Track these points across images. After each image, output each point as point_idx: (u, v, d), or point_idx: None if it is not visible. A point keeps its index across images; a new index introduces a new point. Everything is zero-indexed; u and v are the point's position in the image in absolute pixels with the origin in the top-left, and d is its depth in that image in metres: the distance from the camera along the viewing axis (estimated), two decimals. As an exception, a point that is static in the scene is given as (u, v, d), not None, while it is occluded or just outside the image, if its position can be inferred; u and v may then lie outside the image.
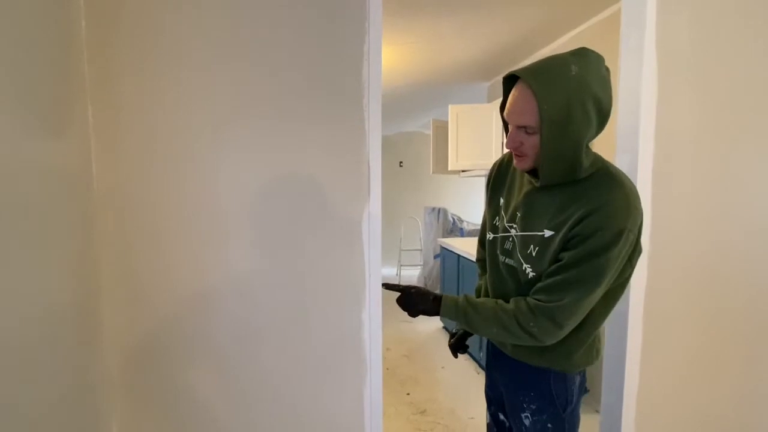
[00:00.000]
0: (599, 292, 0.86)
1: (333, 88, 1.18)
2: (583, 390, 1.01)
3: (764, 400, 1.41)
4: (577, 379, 0.98)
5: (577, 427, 1.02)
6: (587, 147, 0.86)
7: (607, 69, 0.84)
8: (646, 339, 1.35)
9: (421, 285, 5.07)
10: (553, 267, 0.87)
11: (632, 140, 1.31)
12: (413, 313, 0.99)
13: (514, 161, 0.93)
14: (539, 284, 0.89)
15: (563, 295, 0.84)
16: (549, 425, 0.97)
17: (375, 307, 1.26)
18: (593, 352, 0.99)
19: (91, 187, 1.13)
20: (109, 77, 1.11)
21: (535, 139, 0.84)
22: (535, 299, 0.88)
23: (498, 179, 1.08)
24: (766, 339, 1.39)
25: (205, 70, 1.13)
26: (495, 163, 1.11)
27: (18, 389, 0.88)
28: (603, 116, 0.83)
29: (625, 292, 1.32)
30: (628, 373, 1.35)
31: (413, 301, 0.98)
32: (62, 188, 1.03)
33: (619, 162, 1.36)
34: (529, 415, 0.99)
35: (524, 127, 0.85)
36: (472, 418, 2.24)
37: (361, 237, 1.24)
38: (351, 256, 1.24)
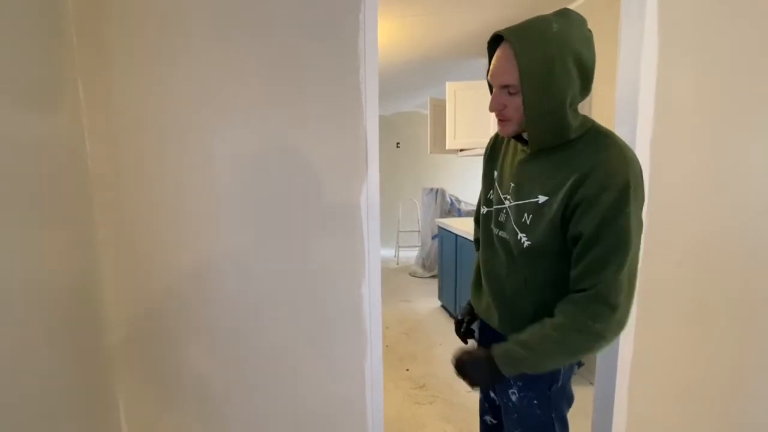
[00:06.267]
0: (635, 256, 0.81)
1: (328, 59, 1.15)
2: (574, 368, 0.99)
3: (756, 371, 1.44)
4: None
5: (565, 404, 1.00)
6: (575, 109, 0.84)
7: (590, 31, 0.83)
8: (640, 310, 1.36)
9: (419, 267, 5.04)
10: (577, 250, 0.82)
11: (631, 112, 1.29)
12: (473, 384, 0.94)
13: (498, 127, 0.92)
14: (573, 274, 0.83)
15: (600, 275, 0.79)
16: (535, 402, 0.97)
17: (374, 281, 1.27)
18: None
19: (86, 165, 1.12)
20: (98, 52, 1.08)
21: (518, 101, 0.83)
22: (577, 291, 0.83)
23: (493, 153, 1.07)
24: (759, 312, 1.41)
25: (197, 42, 1.11)
26: (492, 137, 1.10)
27: (22, 368, 0.89)
28: (586, 74, 0.81)
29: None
30: (621, 345, 1.37)
31: (468, 371, 0.93)
32: (55, 166, 1.01)
33: (618, 134, 1.34)
34: (516, 391, 0.99)
35: (507, 86, 0.84)
36: (470, 391, 2.29)
37: (359, 211, 1.23)
38: (350, 230, 1.24)
